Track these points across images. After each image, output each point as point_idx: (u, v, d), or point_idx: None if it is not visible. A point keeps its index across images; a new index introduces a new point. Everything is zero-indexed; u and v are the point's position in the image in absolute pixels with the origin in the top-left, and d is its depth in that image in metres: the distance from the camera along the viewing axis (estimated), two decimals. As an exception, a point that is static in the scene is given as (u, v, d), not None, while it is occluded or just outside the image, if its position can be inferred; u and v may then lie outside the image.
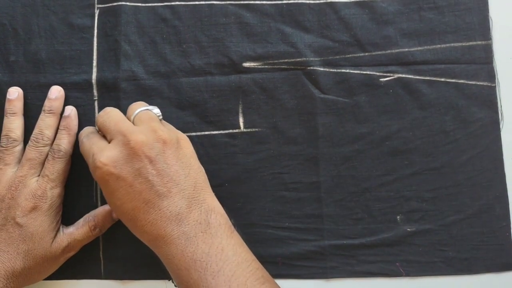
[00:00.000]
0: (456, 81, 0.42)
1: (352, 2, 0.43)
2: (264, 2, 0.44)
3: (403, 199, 0.42)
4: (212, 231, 0.34)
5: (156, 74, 0.43)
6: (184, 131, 0.43)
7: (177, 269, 0.33)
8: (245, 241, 0.42)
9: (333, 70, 0.43)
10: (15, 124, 0.42)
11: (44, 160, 0.41)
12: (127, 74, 0.43)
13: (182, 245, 0.33)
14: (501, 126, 0.42)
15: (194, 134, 0.43)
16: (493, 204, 0.41)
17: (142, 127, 0.36)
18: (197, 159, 0.38)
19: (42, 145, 0.41)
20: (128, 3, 0.44)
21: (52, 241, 0.39)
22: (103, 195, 0.36)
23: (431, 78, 0.42)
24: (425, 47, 0.43)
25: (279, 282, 0.41)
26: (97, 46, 0.44)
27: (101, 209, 0.42)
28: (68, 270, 0.43)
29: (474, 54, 0.42)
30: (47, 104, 0.42)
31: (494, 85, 0.42)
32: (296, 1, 0.44)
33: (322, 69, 0.43)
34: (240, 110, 0.43)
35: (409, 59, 0.43)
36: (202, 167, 0.38)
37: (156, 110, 0.39)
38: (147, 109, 0.39)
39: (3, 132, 0.41)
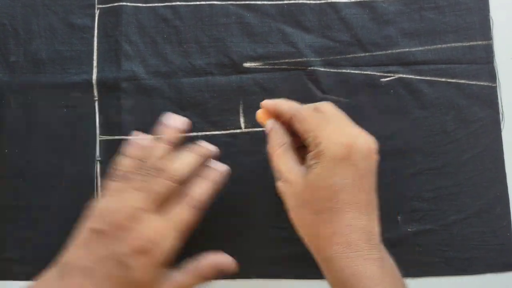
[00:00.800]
0: (457, 81, 0.42)
1: (353, 2, 0.43)
2: (265, 2, 0.44)
3: (403, 199, 0.42)
4: None
5: (156, 74, 0.43)
6: (184, 132, 0.43)
7: None
8: (246, 242, 0.42)
9: (333, 70, 0.43)
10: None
11: (170, 199, 0.35)
12: (127, 74, 0.43)
13: (364, 267, 0.31)
14: (502, 126, 0.42)
15: (195, 134, 0.43)
16: (494, 204, 0.41)
17: None
18: None
19: (176, 183, 0.35)
20: (128, 3, 0.44)
21: None
22: (313, 172, 0.32)
23: (432, 78, 0.42)
24: (426, 47, 0.43)
25: (281, 282, 0.42)
26: (98, 46, 0.44)
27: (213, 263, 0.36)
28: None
29: (475, 54, 0.42)
30: (196, 149, 0.38)
31: (495, 85, 0.42)
32: (296, 1, 0.44)
33: (322, 69, 0.43)
34: (241, 110, 0.43)
35: (410, 59, 0.43)
36: None
37: None
38: None
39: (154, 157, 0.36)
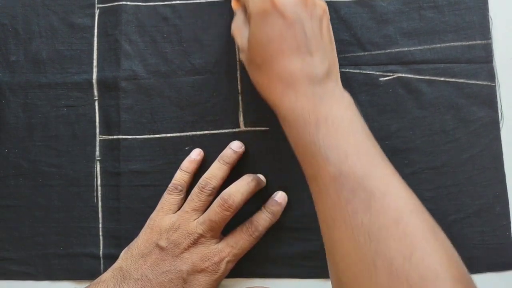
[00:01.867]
0: (456, 80, 0.42)
1: (352, 1, 0.43)
2: (264, 1, 0.44)
3: (403, 199, 0.42)
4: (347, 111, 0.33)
5: (156, 73, 0.43)
6: (184, 131, 0.43)
7: (301, 121, 0.32)
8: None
9: (333, 70, 0.43)
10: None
11: (225, 225, 0.39)
12: (127, 74, 0.43)
13: (315, 102, 0.32)
14: (501, 126, 0.42)
15: (194, 133, 0.43)
16: (493, 203, 0.41)
17: None
18: None
19: (230, 211, 0.38)
20: (128, 3, 0.44)
21: None
22: (249, 32, 0.35)
23: (431, 77, 0.42)
24: (425, 46, 0.43)
25: (281, 281, 0.41)
26: (98, 45, 0.44)
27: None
28: (67, 270, 0.43)
29: (474, 53, 0.42)
30: (254, 177, 0.40)
31: (494, 84, 0.42)
32: (296, 1, 0.44)
33: None
34: (240, 109, 0.43)
35: (409, 59, 0.43)
36: None
37: None
38: None
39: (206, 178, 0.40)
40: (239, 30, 0.37)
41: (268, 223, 0.40)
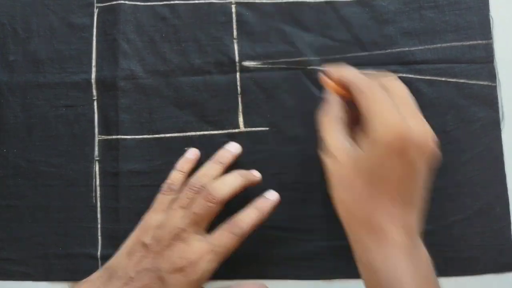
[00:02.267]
0: (457, 80, 0.42)
1: (352, 1, 0.43)
2: (264, 1, 0.44)
3: (403, 199, 0.41)
4: None
5: (155, 73, 0.43)
6: (183, 131, 0.43)
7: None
8: (245, 242, 0.41)
9: (333, 70, 0.43)
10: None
11: (211, 220, 0.37)
12: (125, 73, 0.43)
13: (396, 257, 0.31)
14: (501, 126, 0.42)
15: (193, 134, 0.43)
16: (494, 204, 0.41)
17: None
18: None
19: (213, 203, 0.36)
20: (127, 2, 0.44)
21: None
22: (362, 156, 0.31)
23: (432, 77, 0.42)
24: (426, 46, 0.42)
25: (281, 282, 0.41)
26: (96, 45, 0.44)
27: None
28: (66, 270, 0.43)
29: (474, 53, 0.42)
30: (242, 172, 0.39)
31: (494, 84, 0.42)
32: (296, 0, 0.44)
33: (322, 68, 0.43)
34: (240, 110, 0.43)
35: (410, 59, 0.42)
36: None
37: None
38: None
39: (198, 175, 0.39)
40: (333, 127, 0.33)
41: (253, 221, 0.37)
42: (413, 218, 0.32)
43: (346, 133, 0.33)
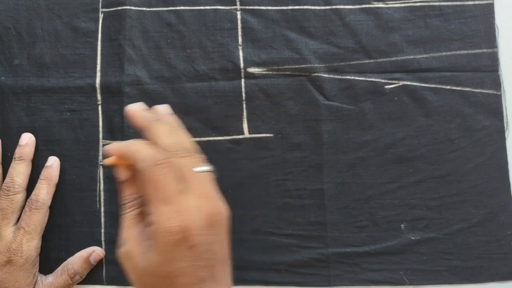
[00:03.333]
0: (462, 89, 0.42)
1: (358, 8, 0.43)
2: (269, 8, 0.44)
3: (407, 207, 0.42)
4: None
5: (160, 79, 0.43)
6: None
7: None
8: (248, 248, 0.42)
9: (338, 77, 0.43)
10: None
11: (18, 209, 0.40)
12: (131, 79, 0.43)
13: None
14: (506, 135, 0.42)
15: (198, 139, 0.43)
16: (498, 213, 0.41)
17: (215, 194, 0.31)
18: None
19: (13, 193, 0.40)
20: (132, 8, 0.44)
21: None
22: (153, 256, 0.29)
23: (437, 85, 0.42)
24: (431, 54, 0.43)
25: (282, 289, 0.41)
26: (101, 50, 0.44)
27: (79, 256, 0.41)
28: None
29: (479, 62, 0.42)
30: (17, 151, 0.42)
31: (499, 93, 0.42)
32: (301, 7, 0.44)
33: (326, 75, 0.43)
34: (245, 116, 0.43)
35: (415, 66, 0.42)
36: None
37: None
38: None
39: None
40: (128, 221, 0.31)
41: (46, 190, 0.40)
42: None
43: (141, 225, 0.31)
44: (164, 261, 0.28)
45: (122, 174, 0.32)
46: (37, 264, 0.40)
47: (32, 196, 0.40)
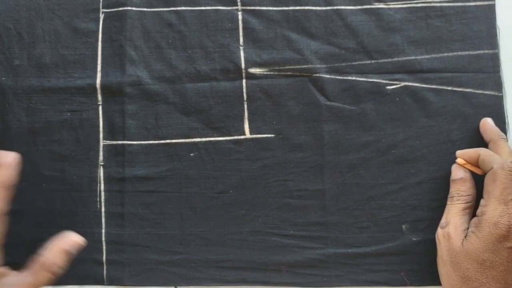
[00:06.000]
0: (463, 89, 0.42)
1: (359, 9, 0.43)
2: (271, 8, 0.44)
3: (408, 208, 0.42)
4: None
5: (161, 79, 0.43)
6: (188, 137, 0.43)
7: None
8: (248, 248, 0.42)
9: (339, 77, 0.43)
10: None
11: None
12: (132, 79, 0.43)
13: None
14: (507, 136, 0.42)
15: (198, 140, 0.43)
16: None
17: None
18: None
19: None
20: (133, 8, 0.44)
21: None
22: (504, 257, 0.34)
23: (438, 86, 0.42)
24: (432, 55, 0.43)
25: (283, 290, 0.41)
26: (102, 50, 0.44)
27: (55, 248, 0.36)
28: (71, 275, 0.42)
29: (481, 63, 0.42)
30: None
31: (501, 94, 0.42)
32: (302, 8, 0.44)
33: (328, 76, 0.43)
34: (246, 116, 0.43)
35: (416, 67, 0.42)
36: None
37: None
38: None
39: None
40: (456, 209, 0.38)
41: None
42: None
43: (468, 215, 0.38)
44: (482, 249, 0.34)
45: (460, 172, 0.39)
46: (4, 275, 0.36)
47: None
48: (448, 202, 0.39)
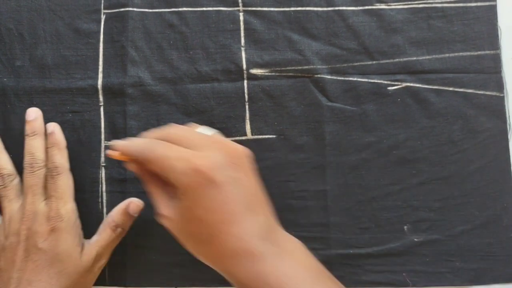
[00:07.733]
0: (465, 90, 0.42)
1: (360, 10, 0.43)
2: (272, 9, 0.44)
3: (410, 209, 0.42)
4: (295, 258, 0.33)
5: (162, 80, 0.43)
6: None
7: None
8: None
9: (340, 78, 0.43)
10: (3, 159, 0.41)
11: (45, 183, 0.39)
12: (133, 80, 0.43)
13: (271, 263, 0.31)
14: (509, 136, 0.42)
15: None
16: (501, 215, 0.41)
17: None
18: None
19: (37, 168, 0.39)
20: (135, 9, 0.44)
21: (80, 256, 0.38)
22: (181, 205, 0.32)
23: (440, 87, 0.42)
24: (434, 56, 0.43)
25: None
26: (103, 51, 0.44)
27: (118, 208, 0.41)
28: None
29: (482, 63, 0.42)
30: (28, 127, 0.41)
31: (502, 95, 0.42)
32: (304, 8, 0.44)
33: (329, 77, 0.43)
34: (247, 117, 0.43)
35: (418, 68, 0.42)
36: None
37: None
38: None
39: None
40: (156, 191, 0.35)
41: (58, 155, 0.40)
42: (254, 228, 0.32)
43: (167, 192, 0.34)
44: (190, 207, 0.32)
45: (132, 167, 0.36)
46: (80, 226, 0.40)
47: (50, 165, 0.39)
48: (145, 190, 0.36)
